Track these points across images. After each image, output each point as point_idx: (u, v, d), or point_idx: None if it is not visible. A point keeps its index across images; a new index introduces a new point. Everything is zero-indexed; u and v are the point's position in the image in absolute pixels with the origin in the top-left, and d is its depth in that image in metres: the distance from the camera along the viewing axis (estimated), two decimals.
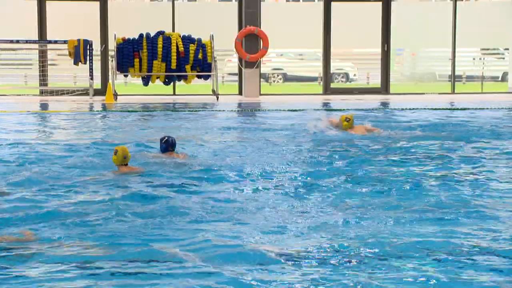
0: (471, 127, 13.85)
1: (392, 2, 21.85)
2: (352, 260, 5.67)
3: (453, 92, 22.18)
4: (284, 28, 21.77)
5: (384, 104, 19.30)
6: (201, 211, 7.18)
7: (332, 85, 22.48)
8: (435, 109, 17.50)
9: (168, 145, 9.87)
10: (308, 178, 8.89)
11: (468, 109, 17.49)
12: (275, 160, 10.14)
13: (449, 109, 17.97)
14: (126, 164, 8.89)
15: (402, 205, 7.43)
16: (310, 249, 5.97)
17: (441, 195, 7.85)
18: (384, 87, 21.91)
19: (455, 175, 9.11)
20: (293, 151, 10.94)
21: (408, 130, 13.36)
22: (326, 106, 19.02)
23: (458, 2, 22.07)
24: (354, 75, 26.20)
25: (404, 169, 9.50)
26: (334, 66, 23.15)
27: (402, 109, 17.46)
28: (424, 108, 17.54)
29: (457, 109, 17.78)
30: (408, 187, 8.30)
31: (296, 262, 5.63)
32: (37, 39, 20.63)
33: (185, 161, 9.77)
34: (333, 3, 21.55)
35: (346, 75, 26.15)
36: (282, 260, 5.65)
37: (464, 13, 22.15)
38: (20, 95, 20.83)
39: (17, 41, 20.08)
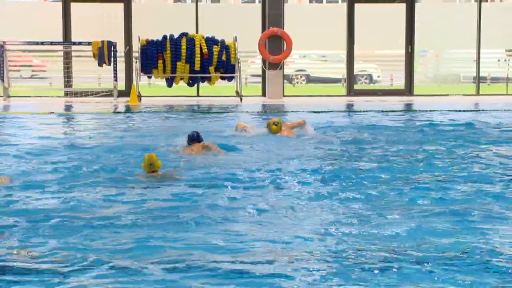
0: (495, 129, 13.84)
1: (416, 4, 21.83)
2: (370, 263, 5.73)
3: (477, 94, 22.13)
4: (307, 30, 21.83)
5: (408, 106, 19.31)
6: (226, 214, 7.26)
7: (356, 87, 22.51)
8: (457, 110, 17.48)
9: (189, 138, 10.55)
10: (325, 178, 8.94)
11: (490, 110, 17.46)
12: (296, 160, 10.21)
13: (471, 111, 17.95)
14: (155, 171, 8.96)
15: (422, 207, 7.47)
16: (327, 250, 6.03)
17: (464, 198, 7.88)
18: (408, 89, 21.90)
19: (478, 177, 9.13)
20: (312, 152, 11.00)
21: (426, 131, 13.37)
22: (350, 108, 19.06)
23: (482, 3, 22.03)
24: (378, 76, 26.19)
25: (423, 170, 9.53)
26: (358, 67, 23.17)
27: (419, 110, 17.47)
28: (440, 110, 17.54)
29: (461, 111, 17.76)
30: (430, 189, 8.33)
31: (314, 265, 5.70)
32: (61, 40, 20.81)
33: (205, 154, 10.08)
34: (356, 5, 21.57)
35: (370, 77, 26.15)
36: (296, 262, 5.71)
37: (488, 14, 22.10)
38: (45, 96, 21.01)
39: (42, 43, 20.26)
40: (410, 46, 21.70)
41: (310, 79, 26.61)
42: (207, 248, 6.05)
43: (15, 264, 5.62)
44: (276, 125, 12.45)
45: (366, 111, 17.45)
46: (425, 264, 5.57)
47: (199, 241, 6.24)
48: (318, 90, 23.97)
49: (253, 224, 6.90)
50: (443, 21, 22.30)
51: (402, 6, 21.73)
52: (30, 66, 20.88)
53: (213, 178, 8.93)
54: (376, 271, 5.47)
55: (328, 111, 17.28)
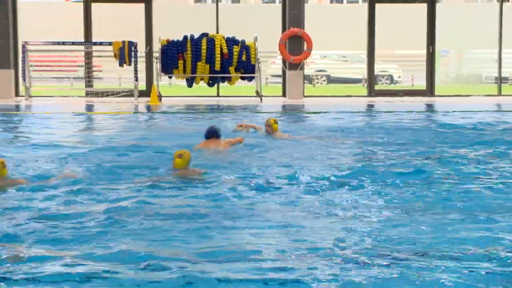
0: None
1: (437, 3, 21.79)
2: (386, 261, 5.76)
3: (499, 94, 22.06)
4: (328, 30, 21.84)
5: (429, 106, 19.28)
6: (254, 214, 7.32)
7: (376, 87, 22.50)
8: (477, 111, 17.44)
9: (207, 132, 10.87)
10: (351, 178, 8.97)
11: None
12: (319, 160, 10.24)
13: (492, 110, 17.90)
14: (185, 168, 9.03)
15: (447, 208, 7.48)
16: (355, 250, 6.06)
17: (489, 198, 7.88)
18: (429, 89, 21.86)
19: (500, 178, 9.12)
20: (335, 153, 11.02)
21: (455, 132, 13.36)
22: (371, 108, 19.06)
23: (504, 3, 21.95)
24: (399, 77, 26.17)
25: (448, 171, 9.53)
26: (378, 68, 23.16)
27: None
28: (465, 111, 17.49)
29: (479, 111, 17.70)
30: (454, 190, 8.34)
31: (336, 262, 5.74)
32: (83, 41, 20.94)
33: (224, 150, 10.17)
34: (377, 5, 21.56)
35: (391, 77, 26.13)
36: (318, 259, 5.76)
37: (510, 14, 22.01)
38: (66, 96, 21.15)
39: (63, 43, 20.40)
40: (431, 46, 21.66)
41: (330, 80, 26.63)
42: (225, 247, 6.11)
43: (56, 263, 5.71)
44: (277, 123, 12.45)
45: (387, 111, 17.45)
46: (451, 266, 5.60)
47: (223, 240, 6.32)
48: (338, 90, 23.98)
49: (273, 224, 6.95)
50: (464, 21, 22.24)
51: (423, 6, 21.69)
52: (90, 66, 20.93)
53: (234, 178, 9.00)
54: (394, 271, 5.50)
55: (348, 112, 17.30)
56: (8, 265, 5.62)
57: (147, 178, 8.88)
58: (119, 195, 8.04)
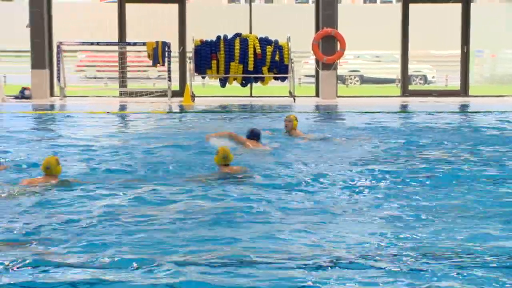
0: None
1: (471, 3, 21.71)
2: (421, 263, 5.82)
3: None
4: (361, 30, 21.85)
5: (463, 107, 19.23)
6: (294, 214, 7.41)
7: (410, 87, 22.46)
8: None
9: (251, 134, 11.13)
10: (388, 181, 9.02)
11: None
12: (354, 161, 10.30)
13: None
14: (227, 165, 9.16)
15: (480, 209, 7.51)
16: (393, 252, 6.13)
17: None
18: (463, 89, 21.79)
19: None
20: (371, 153, 11.07)
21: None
22: (404, 108, 19.06)
23: None
24: (433, 77, 26.10)
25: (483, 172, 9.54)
26: (412, 68, 23.13)
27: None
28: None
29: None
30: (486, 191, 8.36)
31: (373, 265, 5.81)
32: (117, 41, 21.14)
33: (267, 151, 10.30)
34: (411, 5, 21.52)
35: (424, 77, 26.07)
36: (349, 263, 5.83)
37: None
38: (100, 96, 21.35)
39: (98, 43, 20.61)
40: (465, 46, 21.59)
41: (363, 80, 26.62)
42: (261, 245, 6.21)
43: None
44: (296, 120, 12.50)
45: (420, 112, 17.44)
46: (487, 267, 5.64)
47: (261, 239, 6.42)
48: (372, 90, 23.98)
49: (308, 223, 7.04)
50: (499, 20, 22.14)
51: (458, 6, 21.62)
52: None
53: (268, 177, 9.11)
54: (424, 271, 5.55)
55: (381, 112, 17.31)
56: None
57: (188, 177, 9.01)
58: (161, 194, 8.18)
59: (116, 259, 5.82)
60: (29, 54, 20.51)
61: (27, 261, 5.73)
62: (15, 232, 6.66)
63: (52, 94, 20.91)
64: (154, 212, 7.32)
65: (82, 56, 21.82)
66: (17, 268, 5.62)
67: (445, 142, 12.12)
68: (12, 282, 5.32)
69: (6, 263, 5.70)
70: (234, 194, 8.11)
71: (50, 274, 5.50)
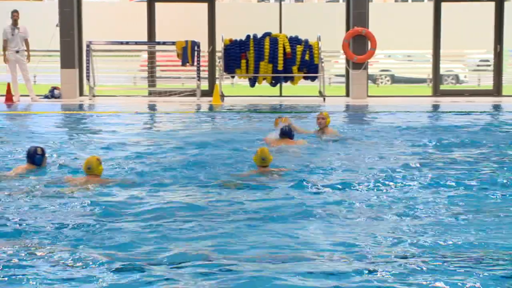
0: None
1: (505, 2, 21.55)
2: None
3: None
4: (392, 29, 21.77)
5: (496, 107, 19.10)
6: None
7: (442, 87, 22.35)
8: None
9: (282, 132, 11.42)
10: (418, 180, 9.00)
11: None
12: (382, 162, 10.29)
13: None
14: (266, 166, 9.21)
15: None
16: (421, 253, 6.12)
17: None
18: (496, 89, 21.64)
19: None
20: (405, 153, 11.04)
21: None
22: (436, 108, 18.97)
23: None
24: (465, 76, 25.95)
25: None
26: (444, 67, 23.00)
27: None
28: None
29: None
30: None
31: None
32: (146, 40, 21.23)
33: (298, 149, 10.74)
34: (443, 3, 21.41)
35: (456, 77, 25.92)
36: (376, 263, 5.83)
37: None
38: (129, 96, 21.46)
39: (127, 43, 20.72)
40: (498, 46, 21.44)
41: (394, 79, 26.53)
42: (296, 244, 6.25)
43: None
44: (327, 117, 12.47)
45: (451, 112, 17.36)
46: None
47: (294, 239, 6.46)
48: (403, 90, 23.88)
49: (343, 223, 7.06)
50: None
51: (491, 5, 21.47)
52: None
53: (304, 176, 9.18)
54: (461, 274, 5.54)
55: (411, 112, 17.26)
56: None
57: (224, 180, 9.08)
58: (195, 195, 8.26)
59: (160, 257, 5.90)
60: (58, 53, 20.66)
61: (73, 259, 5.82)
62: (49, 230, 6.74)
63: (81, 94, 21.06)
64: (188, 213, 7.39)
65: (145, 56, 21.93)
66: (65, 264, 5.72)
67: (477, 143, 12.06)
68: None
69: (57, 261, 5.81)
70: (269, 196, 8.16)
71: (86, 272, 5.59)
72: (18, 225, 6.92)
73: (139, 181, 8.89)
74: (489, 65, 22.13)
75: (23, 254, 6.01)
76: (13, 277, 5.49)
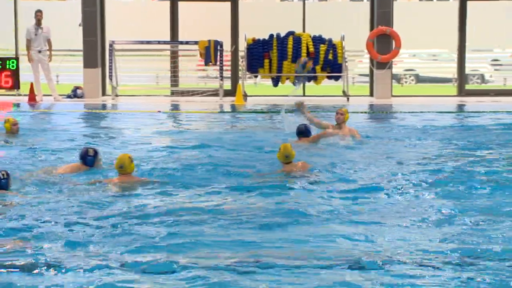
0: None
1: None
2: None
3: None
4: (417, 28, 21.71)
5: None
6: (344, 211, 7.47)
7: (467, 87, 22.26)
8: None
9: (299, 131, 11.66)
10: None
11: None
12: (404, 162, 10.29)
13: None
14: (289, 162, 9.29)
15: None
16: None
17: None
18: None
19: None
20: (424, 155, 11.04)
21: None
22: (461, 108, 18.91)
23: None
24: (490, 76, 25.83)
25: None
26: (469, 67, 22.90)
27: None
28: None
29: None
30: None
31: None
32: (169, 40, 21.30)
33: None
34: (469, 2, 21.32)
35: (482, 76, 25.81)
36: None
37: None
38: (151, 95, 21.55)
39: (150, 42, 20.81)
40: None
41: (419, 79, 26.46)
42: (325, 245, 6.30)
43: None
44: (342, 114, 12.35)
45: (477, 112, 17.30)
46: None
47: (321, 239, 6.51)
48: (427, 90, 23.82)
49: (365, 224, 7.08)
50: None
51: None
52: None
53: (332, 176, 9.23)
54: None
55: (436, 112, 17.22)
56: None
57: (256, 176, 9.16)
58: (220, 194, 8.34)
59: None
60: (81, 53, 20.78)
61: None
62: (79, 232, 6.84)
63: (104, 93, 21.16)
64: (213, 212, 7.47)
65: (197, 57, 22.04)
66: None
67: (502, 143, 12.01)
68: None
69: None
70: (292, 193, 8.23)
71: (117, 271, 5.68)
72: (46, 223, 7.03)
73: (169, 181, 8.97)
74: None
75: (55, 251, 6.14)
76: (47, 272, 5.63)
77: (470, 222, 7.08)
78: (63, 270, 5.69)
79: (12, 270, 5.71)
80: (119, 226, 6.96)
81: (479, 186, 8.63)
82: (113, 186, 8.59)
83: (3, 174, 8.29)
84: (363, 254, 6.05)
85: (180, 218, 7.23)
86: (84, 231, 6.79)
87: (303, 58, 12.85)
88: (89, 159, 9.51)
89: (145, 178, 9.04)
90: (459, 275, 5.56)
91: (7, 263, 5.85)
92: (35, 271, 5.68)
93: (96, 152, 9.63)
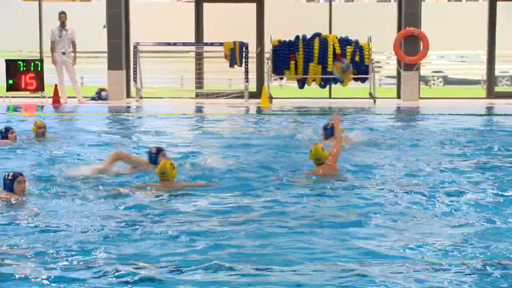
0: None
1: None
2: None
3: None
4: (446, 29, 21.61)
5: None
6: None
7: (497, 89, 22.12)
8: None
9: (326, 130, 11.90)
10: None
11: None
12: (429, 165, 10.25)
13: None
14: (322, 163, 9.35)
15: None
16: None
17: None
18: None
19: None
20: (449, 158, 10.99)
21: None
22: (490, 111, 18.79)
23: None
24: None
25: None
26: (499, 68, 22.76)
27: None
28: None
29: None
30: None
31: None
32: (193, 41, 21.35)
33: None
34: (498, 2, 21.19)
35: (511, 78, 25.64)
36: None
37: None
38: (176, 97, 21.61)
39: (175, 44, 20.85)
40: None
41: (447, 81, 26.33)
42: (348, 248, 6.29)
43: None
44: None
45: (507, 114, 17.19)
46: None
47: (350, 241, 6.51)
48: (456, 92, 23.69)
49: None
50: None
51: None
52: None
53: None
54: None
55: (465, 114, 17.13)
56: None
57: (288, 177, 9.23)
58: (255, 194, 8.39)
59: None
60: (106, 55, 20.87)
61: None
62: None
63: (128, 95, 21.24)
64: (243, 215, 7.51)
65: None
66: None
67: None
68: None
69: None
70: (324, 195, 8.28)
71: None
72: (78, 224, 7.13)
73: (208, 185, 9.05)
74: None
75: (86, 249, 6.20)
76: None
77: (497, 226, 7.03)
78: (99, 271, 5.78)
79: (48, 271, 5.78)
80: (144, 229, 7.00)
81: (506, 189, 8.59)
82: (154, 190, 8.69)
83: (9, 175, 8.32)
84: (390, 262, 6.05)
85: (227, 220, 7.31)
86: (119, 234, 6.86)
87: (346, 61, 12.63)
88: (152, 156, 9.75)
89: (186, 182, 9.10)
90: (485, 279, 5.54)
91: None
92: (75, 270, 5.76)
93: (158, 150, 9.84)
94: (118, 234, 6.83)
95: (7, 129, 12.61)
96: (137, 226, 7.12)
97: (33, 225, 7.19)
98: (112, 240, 6.64)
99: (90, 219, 7.36)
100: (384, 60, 25.51)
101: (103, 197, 8.35)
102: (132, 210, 7.81)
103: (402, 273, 5.69)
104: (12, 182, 8.25)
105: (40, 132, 12.95)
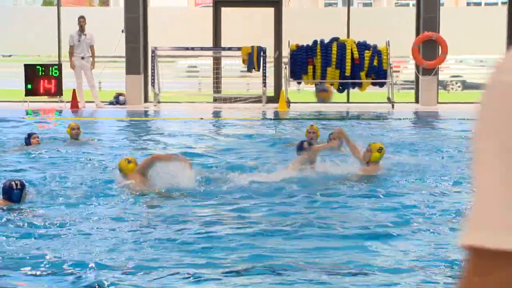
0: None
1: None
2: None
3: None
4: (464, 33, 21.68)
5: None
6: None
7: None
8: None
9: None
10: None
11: None
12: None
13: None
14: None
15: None
16: None
17: None
18: None
19: None
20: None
21: None
22: None
23: None
24: None
25: None
26: None
27: None
28: None
29: None
30: None
31: None
32: (211, 46, 21.51)
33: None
34: None
35: None
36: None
37: None
38: (194, 102, 21.78)
39: (192, 48, 21.03)
40: None
41: (466, 85, 26.38)
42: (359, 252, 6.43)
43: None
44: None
45: None
46: None
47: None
48: (474, 96, 23.69)
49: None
50: None
51: None
52: None
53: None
54: None
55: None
56: None
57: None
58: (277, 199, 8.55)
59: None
60: (124, 59, 21.06)
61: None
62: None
63: (146, 100, 21.40)
64: (267, 219, 7.68)
65: None
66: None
67: None
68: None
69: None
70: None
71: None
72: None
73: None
74: None
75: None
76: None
77: None
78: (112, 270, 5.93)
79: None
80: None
81: None
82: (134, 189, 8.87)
83: (16, 184, 8.14)
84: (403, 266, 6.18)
85: (250, 225, 7.48)
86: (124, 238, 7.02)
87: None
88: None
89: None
90: None
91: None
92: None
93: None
94: (123, 241, 7.00)
95: (30, 135, 12.80)
96: (137, 231, 7.31)
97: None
98: (119, 247, 6.80)
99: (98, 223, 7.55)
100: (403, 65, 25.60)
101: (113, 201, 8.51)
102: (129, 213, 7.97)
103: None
104: (21, 191, 8.29)
105: (74, 134, 13.09)
